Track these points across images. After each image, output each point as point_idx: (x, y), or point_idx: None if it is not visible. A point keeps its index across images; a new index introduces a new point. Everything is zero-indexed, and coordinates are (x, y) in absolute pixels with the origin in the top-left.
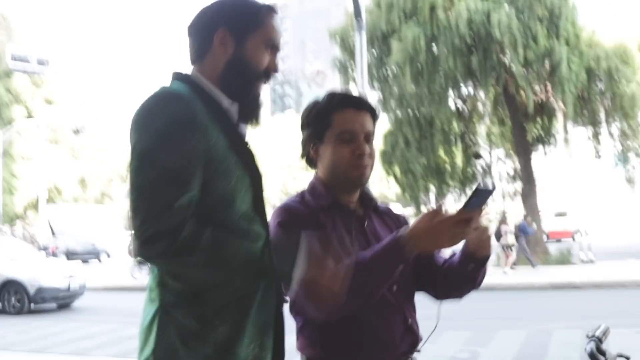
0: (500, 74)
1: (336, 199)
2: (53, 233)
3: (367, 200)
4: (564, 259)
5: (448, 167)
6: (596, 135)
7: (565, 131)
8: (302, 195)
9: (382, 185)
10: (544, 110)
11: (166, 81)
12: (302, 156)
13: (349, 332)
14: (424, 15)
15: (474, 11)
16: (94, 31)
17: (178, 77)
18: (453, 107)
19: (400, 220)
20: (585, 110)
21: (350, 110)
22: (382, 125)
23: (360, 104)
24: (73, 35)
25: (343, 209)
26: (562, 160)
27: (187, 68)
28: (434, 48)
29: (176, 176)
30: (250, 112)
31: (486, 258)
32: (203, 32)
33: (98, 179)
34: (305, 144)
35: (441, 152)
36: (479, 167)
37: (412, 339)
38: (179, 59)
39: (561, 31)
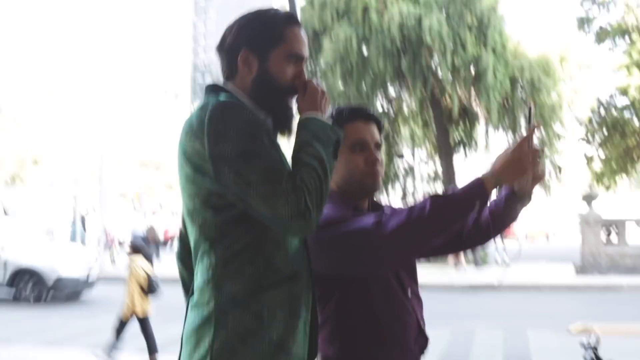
0: (428, 77)
1: (356, 206)
2: (6, 214)
3: (376, 206)
4: (481, 260)
5: None
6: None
7: (487, 136)
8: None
9: None
10: (467, 115)
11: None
12: None
13: (368, 333)
14: (357, 16)
15: (406, 15)
16: (13, 9)
17: (219, 89)
18: (379, 108)
19: None
20: (507, 117)
21: (359, 121)
22: None
23: (367, 116)
24: None
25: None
26: (483, 164)
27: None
28: (365, 49)
29: (278, 158)
30: (283, 124)
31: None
32: (227, 55)
33: (10, 160)
34: None
35: None
36: (401, 167)
37: (423, 342)
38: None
39: (489, 40)
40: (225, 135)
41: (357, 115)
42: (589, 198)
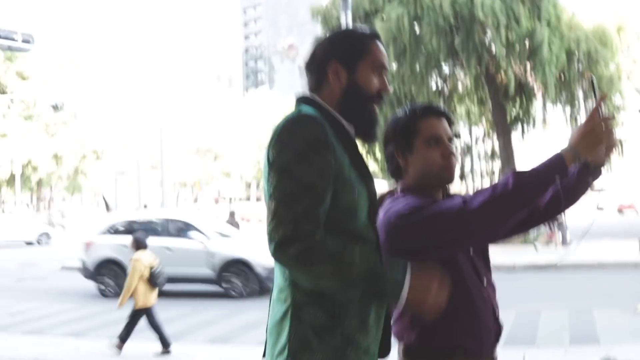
0: (482, 54)
1: (434, 198)
2: (108, 209)
3: (448, 196)
4: (542, 238)
5: None
6: (574, 116)
7: (544, 111)
8: (404, 197)
9: None
10: (524, 91)
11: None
12: (390, 169)
13: (446, 321)
14: None
15: None
16: (74, 6)
17: (306, 101)
18: (434, 87)
19: None
20: (563, 91)
21: (432, 117)
22: None
23: (439, 112)
24: (53, 10)
25: None
26: (540, 140)
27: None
28: (417, 28)
29: (310, 189)
30: (367, 132)
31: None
32: (318, 67)
33: (72, 155)
34: (392, 157)
35: None
36: (458, 146)
37: (498, 330)
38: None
39: (543, 13)
40: (283, 147)
41: (429, 111)
42: None
